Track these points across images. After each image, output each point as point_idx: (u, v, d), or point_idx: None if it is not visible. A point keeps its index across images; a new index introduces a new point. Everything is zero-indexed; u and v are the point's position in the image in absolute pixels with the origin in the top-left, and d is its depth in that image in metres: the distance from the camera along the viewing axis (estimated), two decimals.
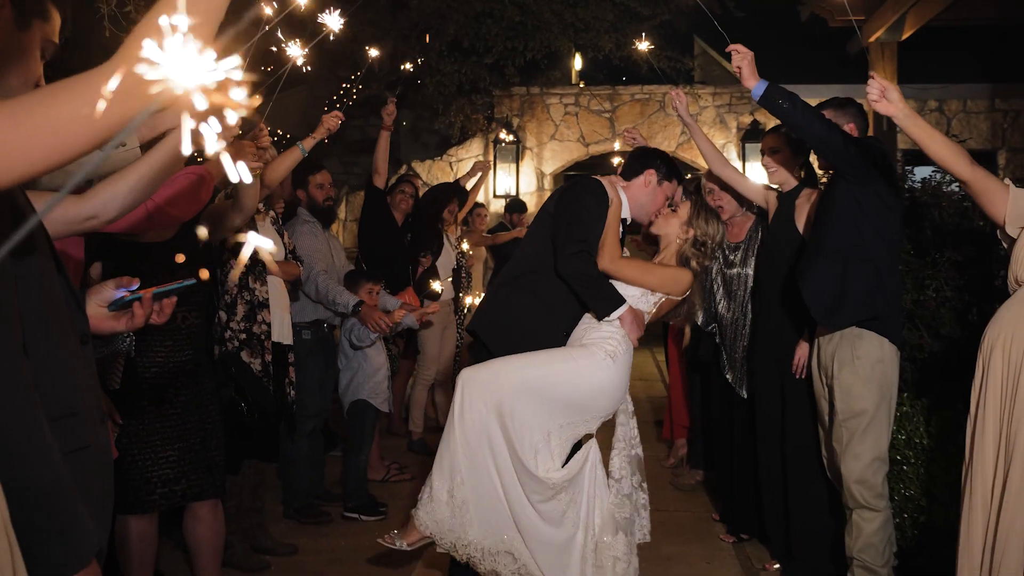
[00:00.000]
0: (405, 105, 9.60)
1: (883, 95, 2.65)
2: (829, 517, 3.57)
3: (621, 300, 3.08)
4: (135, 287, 1.57)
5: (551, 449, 2.94)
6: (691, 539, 4.20)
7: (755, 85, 3.14)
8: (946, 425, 3.31)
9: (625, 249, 3.55)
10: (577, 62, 12.31)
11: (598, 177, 3.35)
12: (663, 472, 5.37)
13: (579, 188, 3.33)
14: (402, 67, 5.54)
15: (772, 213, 3.91)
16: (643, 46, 6.89)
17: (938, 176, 3.99)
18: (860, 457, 3.18)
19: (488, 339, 3.25)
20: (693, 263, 3.21)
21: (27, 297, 1.34)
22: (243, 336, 3.67)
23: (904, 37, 8.47)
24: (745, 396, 4.02)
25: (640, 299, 3.15)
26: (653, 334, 6.94)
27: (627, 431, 3.16)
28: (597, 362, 2.99)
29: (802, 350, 3.53)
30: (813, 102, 3.26)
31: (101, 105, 0.99)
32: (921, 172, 6.20)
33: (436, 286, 5.51)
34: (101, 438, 1.54)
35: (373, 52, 5.21)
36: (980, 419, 2.59)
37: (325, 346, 4.58)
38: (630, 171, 3.38)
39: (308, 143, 3.86)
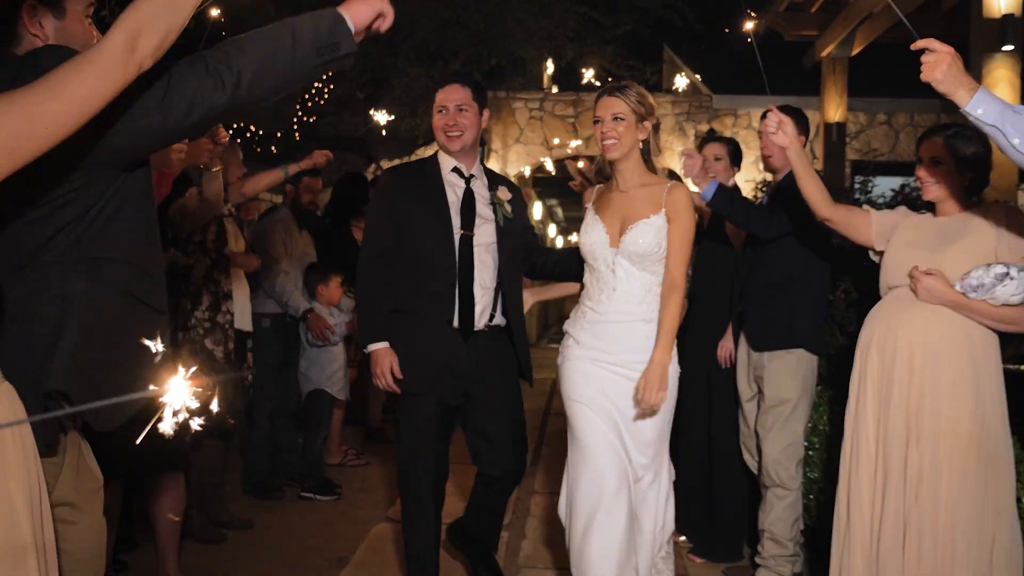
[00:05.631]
0: (377, 106, 9.85)
1: (780, 128, 2.90)
2: (744, 506, 3.93)
3: (369, 337, 3.12)
4: None
5: None
6: None
7: (706, 187, 3.43)
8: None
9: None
10: (549, 66, 12.60)
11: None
12: None
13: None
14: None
15: (707, 221, 4.20)
16: (602, 55, 7.22)
17: (911, 184, 4.19)
18: (779, 441, 3.52)
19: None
20: None
21: None
22: (207, 325, 3.92)
23: (854, 53, 8.87)
24: None
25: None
26: None
27: None
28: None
29: (727, 341, 3.86)
30: None
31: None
32: (886, 182, 6.52)
33: None
34: None
35: None
36: (860, 412, 2.89)
37: (285, 334, 4.84)
38: None
39: (292, 168, 4.31)
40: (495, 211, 3.22)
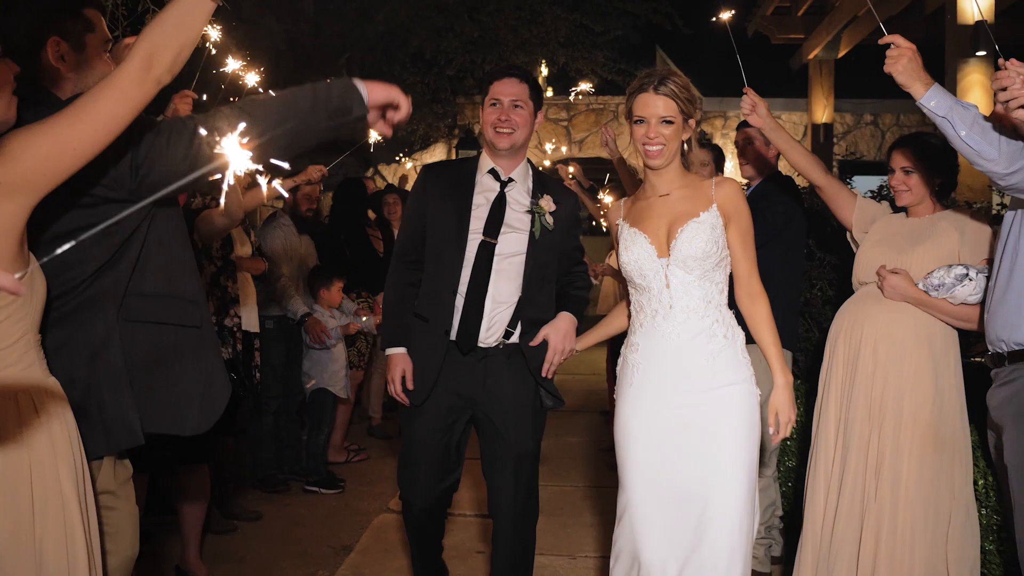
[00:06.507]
0: None
1: (753, 109, 3.05)
2: None
3: (387, 340, 2.97)
4: None
5: None
6: (613, 510, 4.70)
7: None
8: None
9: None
10: (543, 70, 12.80)
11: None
12: (600, 454, 5.88)
13: None
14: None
15: None
16: (593, 60, 7.45)
17: (884, 190, 4.40)
18: None
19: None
20: None
21: None
22: (215, 329, 4.13)
23: (840, 55, 9.09)
24: None
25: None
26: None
27: None
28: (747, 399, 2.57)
29: None
30: None
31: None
32: (862, 181, 6.68)
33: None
34: None
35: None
36: (824, 399, 3.11)
37: (288, 335, 5.05)
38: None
39: (288, 184, 4.49)
40: (533, 220, 2.91)
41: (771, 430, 2.51)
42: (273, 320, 4.96)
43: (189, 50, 1.69)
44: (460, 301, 2.88)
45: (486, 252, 2.87)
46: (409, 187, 9.71)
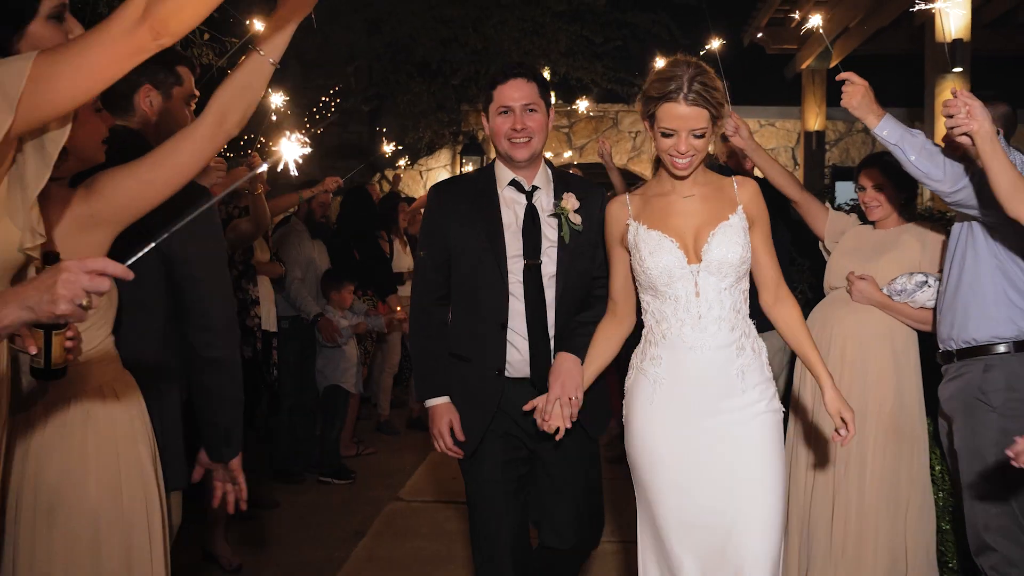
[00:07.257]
0: (381, 118, 10.39)
1: (737, 131, 3.37)
2: None
3: (425, 392, 2.67)
4: None
5: None
6: (607, 498, 5.00)
7: None
8: None
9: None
10: (547, 75, 13.09)
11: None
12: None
13: None
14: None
15: None
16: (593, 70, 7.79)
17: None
18: None
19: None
20: None
21: None
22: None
23: (832, 65, 9.37)
24: None
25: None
26: None
27: None
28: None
29: None
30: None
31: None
32: (842, 187, 6.91)
33: None
34: None
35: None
36: (800, 392, 3.41)
37: (302, 335, 5.37)
38: None
39: (307, 193, 4.88)
40: (560, 224, 2.58)
41: (842, 432, 2.36)
42: (288, 320, 5.28)
43: (254, 106, 1.95)
44: (514, 336, 2.57)
45: (533, 277, 2.56)
46: (404, 188, 10.05)
